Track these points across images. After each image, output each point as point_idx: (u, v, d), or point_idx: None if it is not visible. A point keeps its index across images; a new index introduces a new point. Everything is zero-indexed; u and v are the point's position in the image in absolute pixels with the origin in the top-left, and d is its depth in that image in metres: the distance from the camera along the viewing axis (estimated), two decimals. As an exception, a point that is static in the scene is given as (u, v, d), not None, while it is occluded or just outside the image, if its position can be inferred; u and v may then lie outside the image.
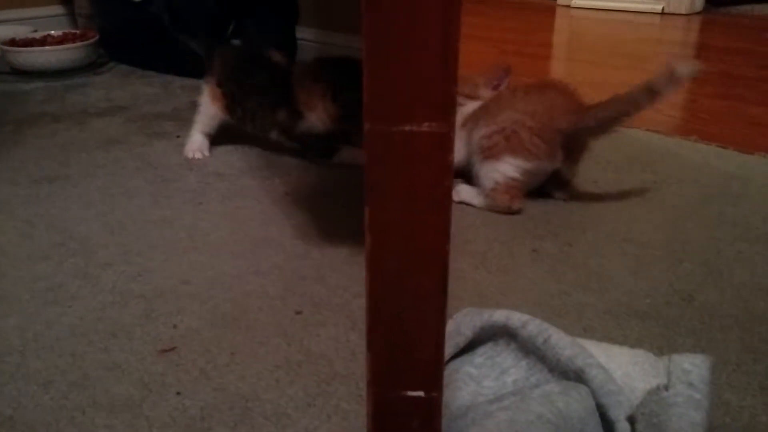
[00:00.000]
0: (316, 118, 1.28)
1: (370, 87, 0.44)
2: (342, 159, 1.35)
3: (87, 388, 0.71)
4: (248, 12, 1.95)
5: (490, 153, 1.13)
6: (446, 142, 0.45)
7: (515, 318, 0.66)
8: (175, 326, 0.82)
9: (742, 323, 0.82)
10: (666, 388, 0.56)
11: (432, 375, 0.52)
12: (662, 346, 0.78)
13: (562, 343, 0.63)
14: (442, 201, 0.47)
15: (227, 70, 1.38)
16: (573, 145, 1.12)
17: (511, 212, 1.12)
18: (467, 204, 1.15)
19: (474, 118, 1.19)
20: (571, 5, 3.18)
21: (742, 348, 0.77)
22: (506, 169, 1.11)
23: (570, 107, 1.11)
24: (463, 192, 1.17)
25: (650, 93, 1.05)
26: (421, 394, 0.53)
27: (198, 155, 1.38)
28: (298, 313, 0.84)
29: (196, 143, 1.40)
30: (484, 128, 1.14)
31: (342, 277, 0.92)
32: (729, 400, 0.69)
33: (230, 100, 1.37)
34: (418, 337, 0.51)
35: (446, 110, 0.44)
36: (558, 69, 2.21)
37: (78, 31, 2.20)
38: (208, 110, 1.40)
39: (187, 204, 1.15)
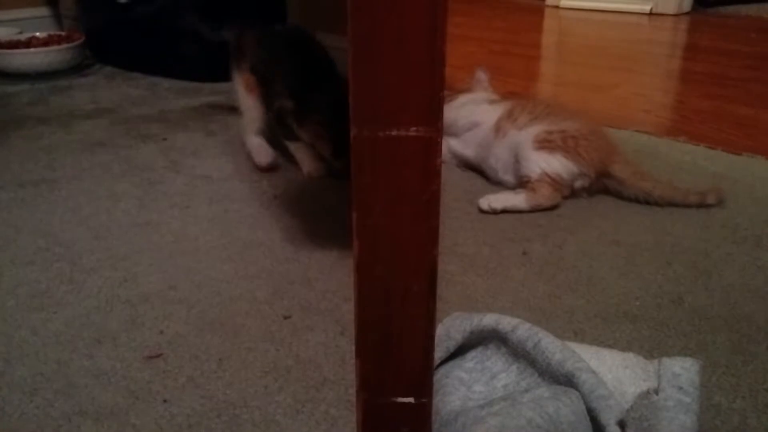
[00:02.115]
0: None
1: (356, 92, 0.43)
2: (291, 150, 1.29)
3: (73, 396, 0.70)
4: (235, 14, 1.94)
5: (545, 146, 1.16)
6: (433, 147, 0.44)
7: (505, 322, 0.66)
8: (161, 332, 0.81)
9: (732, 325, 0.82)
10: (656, 391, 0.56)
11: (421, 381, 0.52)
12: (652, 348, 0.78)
13: (552, 347, 0.63)
14: (430, 205, 0.46)
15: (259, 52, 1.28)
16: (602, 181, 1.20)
17: (552, 206, 1.14)
18: (509, 210, 1.14)
19: (515, 117, 1.23)
20: (560, 6, 3.19)
21: (731, 350, 0.77)
22: (556, 165, 1.15)
23: (622, 157, 1.20)
24: (499, 200, 1.15)
25: (695, 200, 1.15)
26: (410, 400, 0.52)
27: (270, 160, 1.28)
28: (286, 317, 0.83)
29: (261, 149, 1.29)
30: (543, 126, 1.19)
31: (331, 281, 0.92)
32: (719, 402, 0.69)
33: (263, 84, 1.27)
34: (407, 343, 0.50)
35: (433, 114, 0.44)
36: (547, 69, 2.21)
37: (63, 33, 2.18)
38: (247, 103, 1.30)
39: (174, 208, 1.14)
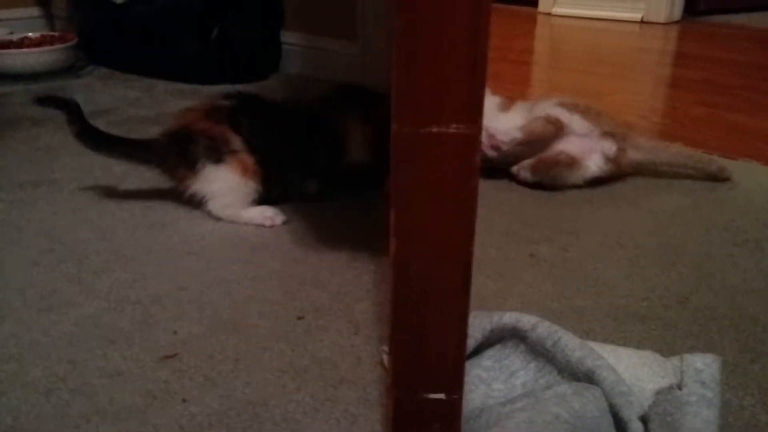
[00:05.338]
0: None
1: (399, 89, 0.44)
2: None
3: (89, 396, 0.69)
4: (233, 16, 1.94)
5: (567, 107, 1.22)
6: (473, 144, 0.45)
7: (525, 320, 0.66)
8: (175, 332, 0.80)
9: (737, 325, 0.83)
10: (679, 387, 0.57)
11: (453, 377, 0.52)
12: (662, 348, 0.78)
13: (572, 344, 0.63)
14: (468, 202, 0.47)
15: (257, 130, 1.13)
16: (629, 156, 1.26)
17: (543, 136, 1.20)
18: (496, 142, 1.19)
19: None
20: (552, 13, 3.23)
21: (738, 349, 0.79)
22: (566, 116, 1.21)
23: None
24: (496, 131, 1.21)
25: (714, 169, 1.26)
26: (442, 396, 0.53)
27: (283, 217, 1.11)
28: (299, 318, 0.84)
29: (267, 211, 1.11)
30: (565, 98, 1.28)
31: (342, 281, 0.92)
32: (729, 399, 0.70)
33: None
34: (441, 340, 0.51)
35: (474, 112, 0.44)
36: (543, 76, 2.23)
37: (56, 34, 2.16)
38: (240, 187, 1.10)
39: (179, 208, 1.14)
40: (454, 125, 0.44)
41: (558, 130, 1.18)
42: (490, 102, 1.27)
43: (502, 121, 1.23)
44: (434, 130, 0.44)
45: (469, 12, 0.42)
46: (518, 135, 1.18)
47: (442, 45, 0.43)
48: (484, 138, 1.18)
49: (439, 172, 0.45)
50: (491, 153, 1.22)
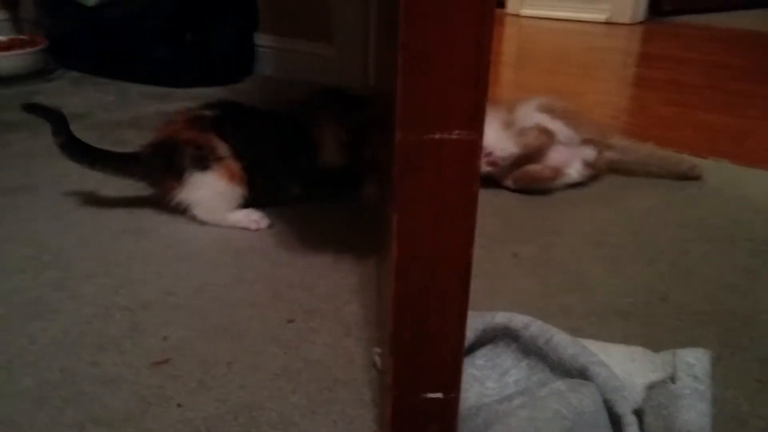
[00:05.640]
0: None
1: (403, 96, 0.45)
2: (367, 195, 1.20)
3: (83, 404, 0.69)
4: (207, 19, 1.93)
5: (548, 112, 1.25)
6: (474, 149, 0.46)
7: (517, 320, 0.68)
8: (165, 338, 0.80)
9: (717, 319, 0.86)
10: (672, 380, 0.59)
11: (451, 376, 0.54)
12: (646, 343, 0.80)
13: (565, 342, 0.65)
14: (469, 206, 0.48)
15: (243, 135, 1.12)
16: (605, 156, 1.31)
17: (540, 147, 1.21)
18: (494, 158, 1.20)
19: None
20: (520, 14, 3.27)
21: (719, 343, 0.81)
22: (552, 125, 1.23)
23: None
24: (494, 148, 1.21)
25: (686, 167, 1.30)
26: (440, 395, 0.54)
27: (268, 221, 1.12)
28: (290, 321, 0.84)
29: (252, 214, 1.12)
30: (544, 99, 1.31)
31: (329, 284, 0.93)
32: (713, 392, 0.72)
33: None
34: (440, 340, 0.52)
35: (476, 118, 0.46)
36: (509, 76, 2.26)
37: (26, 37, 2.12)
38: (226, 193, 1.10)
39: (162, 214, 1.13)
40: (457, 131, 0.45)
41: (549, 140, 1.21)
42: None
43: (494, 135, 1.24)
44: (437, 136, 0.46)
45: (473, 21, 0.43)
46: (515, 150, 1.19)
47: (446, 54, 0.44)
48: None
49: (442, 177, 0.47)
50: (487, 169, 1.22)
